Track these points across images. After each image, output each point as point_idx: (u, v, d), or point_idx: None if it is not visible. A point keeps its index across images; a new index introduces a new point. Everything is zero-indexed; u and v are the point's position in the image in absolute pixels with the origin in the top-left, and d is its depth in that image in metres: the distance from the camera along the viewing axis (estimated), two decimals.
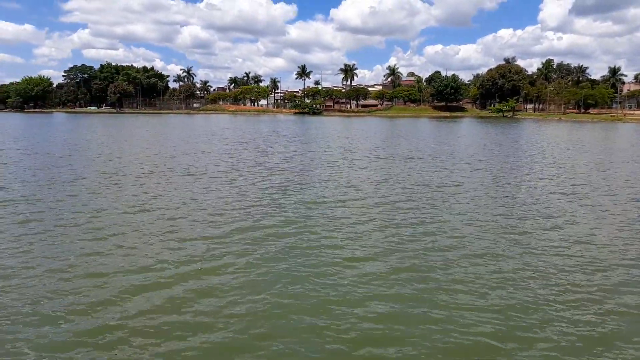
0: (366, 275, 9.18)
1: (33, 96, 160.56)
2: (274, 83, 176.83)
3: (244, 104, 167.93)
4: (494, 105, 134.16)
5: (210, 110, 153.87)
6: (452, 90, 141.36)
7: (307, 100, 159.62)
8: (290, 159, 27.66)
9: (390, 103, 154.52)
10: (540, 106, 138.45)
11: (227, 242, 11.17)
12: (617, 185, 19.72)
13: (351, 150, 34.21)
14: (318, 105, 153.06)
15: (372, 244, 11.13)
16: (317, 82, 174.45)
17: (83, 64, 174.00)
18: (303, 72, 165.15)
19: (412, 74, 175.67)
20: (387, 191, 17.74)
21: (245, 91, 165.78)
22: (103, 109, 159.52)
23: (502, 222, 13.28)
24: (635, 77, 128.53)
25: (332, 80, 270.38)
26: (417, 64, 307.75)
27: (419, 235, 11.90)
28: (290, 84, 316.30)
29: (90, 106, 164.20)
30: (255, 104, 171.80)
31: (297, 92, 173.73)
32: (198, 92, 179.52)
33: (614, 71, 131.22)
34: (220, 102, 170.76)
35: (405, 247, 10.89)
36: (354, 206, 15.14)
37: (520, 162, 28.00)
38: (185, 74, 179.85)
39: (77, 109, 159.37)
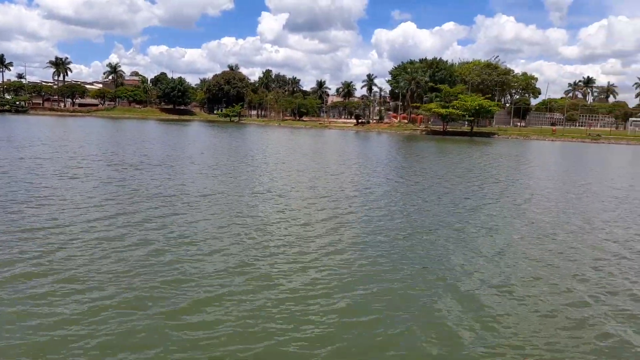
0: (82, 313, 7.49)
1: None
2: None
3: None
4: (222, 110, 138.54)
5: None
6: (180, 93, 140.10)
7: (7, 97, 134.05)
8: None
9: (113, 103, 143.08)
10: (263, 112, 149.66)
11: None
12: (328, 184, 22.11)
13: (71, 156, 29.54)
14: (22, 103, 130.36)
15: (93, 275, 9.28)
16: (20, 76, 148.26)
17: None
18: (1, 63, 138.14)
19: (136, 74, 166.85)
20: (115, 206, 15.58)
21: None
22: None
23: (234, 226, 13.08)
24: (337, 90, 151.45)
25: (41, 75, 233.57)
26: (141, 64, 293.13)
27: (154, 254, 10.59)
28: None
29: None
30: None
31: None
32: None
33: (321, 84, 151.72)
34: None
35: (135, 270, 9.48)
36: (77, 227, 12.64)
37: (255, 166, 28.95)
38: None
39: None
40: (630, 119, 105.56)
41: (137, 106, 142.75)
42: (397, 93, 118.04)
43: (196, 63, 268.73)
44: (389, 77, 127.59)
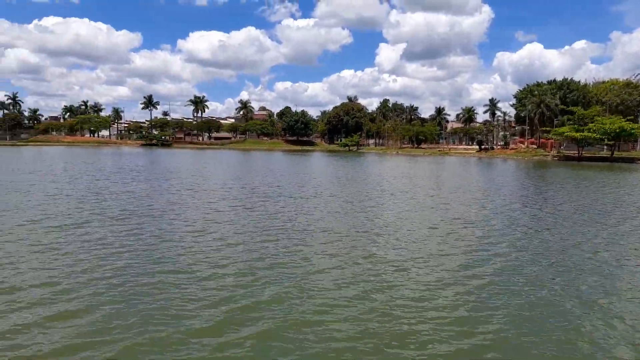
0: None
1: None
2: (117, 113, 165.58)
3: (82, 135, 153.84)
4: (341, 140, 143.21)
5: (41, 142, 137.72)
6: (303, 125, 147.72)
7: (154, 132, 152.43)
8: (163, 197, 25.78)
9: (243, 136, 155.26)
10: (381, 141, 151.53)
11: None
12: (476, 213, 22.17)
13: (221, 186, 33.17)
14: (167, 137, 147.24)
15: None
16: (165, 113, 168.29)
17: None
18: (150, 102, 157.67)
19: (263, 108, 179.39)
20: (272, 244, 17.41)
21: (83, 121, 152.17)
22: None
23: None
24: (457, 116, 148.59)
25: (183, 112, 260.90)
26: (268, 99, 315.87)
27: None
28: (136, 114, 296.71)
29: None
30: (96, 134, 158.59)
31: (144, 122, 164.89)
32: (26, 122, 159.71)
33: (439, 111, 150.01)
34: (54, 133, 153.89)
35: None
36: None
37: (383, 195, 29.93)
38: (10, 101, 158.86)
39: None
40: None
41: (265, 138, 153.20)
42: (523, 117, 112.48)
43: (317, 96, 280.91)
44: (514, 101, 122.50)
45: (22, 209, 19.80)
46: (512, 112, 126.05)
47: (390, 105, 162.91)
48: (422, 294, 10.24)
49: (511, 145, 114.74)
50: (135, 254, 12.91)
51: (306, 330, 8.31)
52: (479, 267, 12.45)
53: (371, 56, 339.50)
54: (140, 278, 10.86)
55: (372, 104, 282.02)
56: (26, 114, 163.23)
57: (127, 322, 8.46)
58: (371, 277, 11.38)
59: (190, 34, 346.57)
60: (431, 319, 8.94)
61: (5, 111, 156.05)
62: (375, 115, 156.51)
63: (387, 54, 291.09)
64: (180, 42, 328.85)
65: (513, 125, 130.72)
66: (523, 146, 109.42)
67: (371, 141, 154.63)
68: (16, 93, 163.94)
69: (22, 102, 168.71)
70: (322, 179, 40.54)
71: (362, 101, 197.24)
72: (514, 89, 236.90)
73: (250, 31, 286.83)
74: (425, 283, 11.02)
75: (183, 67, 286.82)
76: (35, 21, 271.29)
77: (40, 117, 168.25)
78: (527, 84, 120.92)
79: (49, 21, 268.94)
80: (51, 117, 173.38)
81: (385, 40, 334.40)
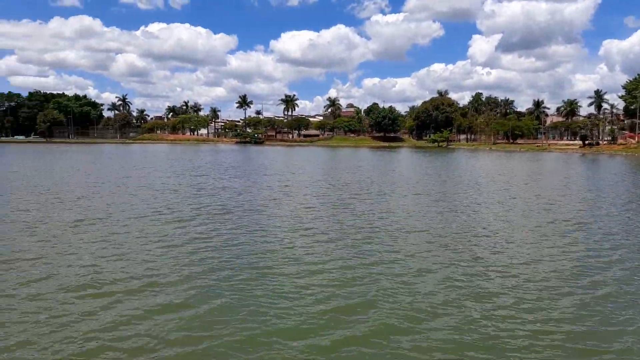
0: None
1: None
2: (214, 112, 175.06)
3: (183, 133, 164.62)
4: (429, 136, 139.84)
5: (147, 140, 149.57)
6: (390, 122, 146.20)
7: (248, 130, 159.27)
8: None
9: (331, 133, 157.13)
10: (472, 136, 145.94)
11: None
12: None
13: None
14: (260, 135, 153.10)
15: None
16: (258, 112, 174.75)
17: (9, 92, 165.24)
18: (244, 102, 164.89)
19: (351, 105, 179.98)
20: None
21: (184, 120, 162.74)
22: (32, 138, 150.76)
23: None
24: (557, 110, 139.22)
25: (274, 110, 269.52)
26: (355, 96, 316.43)
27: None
28: (231, 113, 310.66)
29: (17, 135, 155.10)
30: (195, 133, 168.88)
31: (238, 121, 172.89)
32: (134, 121, 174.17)
33: (538, 104, 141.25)
34: (158, 132, 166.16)
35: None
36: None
37: (476, 195, 29.10)
38: (120, 102, 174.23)
39: (3, 139, 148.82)
40: None
41: (352, 135, 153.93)
42: (633, 110, 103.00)
43: (405, 91, 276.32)
44: (623, 92, 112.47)
45: (133, 203, 21.97)
46: (620, 104, 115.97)
47: (483, 98, 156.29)
48: (528, 305, 9.93)
49: (619, 140, 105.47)
50: (233, 251, 13.87)
51: (401, 339, 8.42)
52: (594, 276, 11.83)
53: (463, 49, 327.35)
54: (238, 274, 11.66)
55: (463, 98, 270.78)
56: (134, 114, 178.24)
57: (222, 318, 9.09)
58: (471, 284, 11.21)
59: (282, 34, 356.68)
60: (538, 331, 8.71)
61: (116, 112, 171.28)
62: (466, 109, 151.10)
63: (480, 45, 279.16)
64: (272, 43, 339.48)
65: (621, 118, 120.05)
66: (633, 141, 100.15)
67: (462, 137, 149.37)
68: (125, 95, 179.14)
69: (131, 103, 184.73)
70: (412, 176, 40.20)
71: (452, 95, 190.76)
72: (623, 79, 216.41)
73: (339, 29, 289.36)
74: (534, 294, 10.64)
75: (275, 67, 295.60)
76: (142, 27, 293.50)
77: (146, 116, 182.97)
78: (638, 74, 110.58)
79: (154, 27, 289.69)
80: (156, 117, 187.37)
81: (479, 32, 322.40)
